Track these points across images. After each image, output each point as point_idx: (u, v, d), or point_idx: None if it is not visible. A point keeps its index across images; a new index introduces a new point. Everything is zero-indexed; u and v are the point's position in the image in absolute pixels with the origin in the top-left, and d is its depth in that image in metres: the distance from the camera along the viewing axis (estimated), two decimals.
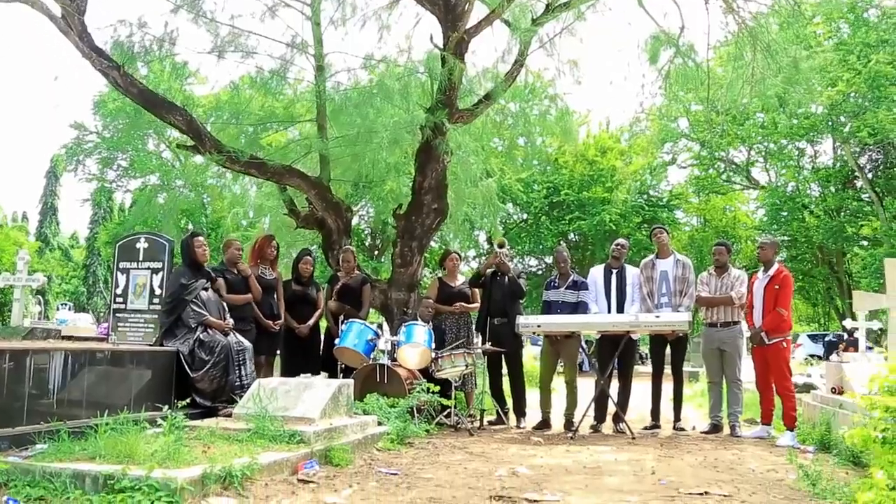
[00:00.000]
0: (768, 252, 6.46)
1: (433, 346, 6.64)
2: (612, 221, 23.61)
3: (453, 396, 6.62)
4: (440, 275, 7.85)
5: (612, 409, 6.85)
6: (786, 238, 24.20)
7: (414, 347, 6.51)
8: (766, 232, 21.70)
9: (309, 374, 5.80)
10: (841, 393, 5.99)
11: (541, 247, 28.09)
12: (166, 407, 4.31)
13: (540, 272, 30.22)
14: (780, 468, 4.74)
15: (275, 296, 7.01)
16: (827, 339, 21.00)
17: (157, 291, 6.13)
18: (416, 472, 4.41)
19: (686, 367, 8.03)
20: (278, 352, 7.14)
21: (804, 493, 3.91)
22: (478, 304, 7.65)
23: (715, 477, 4.40)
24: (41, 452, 3.93)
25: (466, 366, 6.62)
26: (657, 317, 6.37)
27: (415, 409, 6.06)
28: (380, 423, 5.62)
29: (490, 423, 7.14)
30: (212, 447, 4.21)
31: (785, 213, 22.48)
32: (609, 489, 3.95)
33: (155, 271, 6.20)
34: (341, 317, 7.00)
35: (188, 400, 5.39)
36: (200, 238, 6.06)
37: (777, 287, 6.25)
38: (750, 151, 23.85)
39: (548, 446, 5.74)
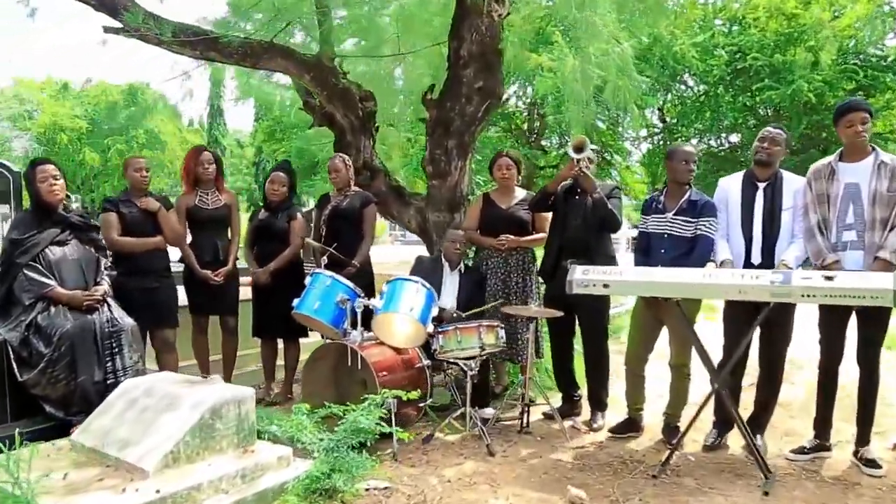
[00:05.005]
0: None
1: (433, 312, 4.19)
2: (812, 90, 18.78)
3: (468, 390, 4.19)
4: (489, 190, 5.27)
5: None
6: None
7: (396, 318, 4.13)
8: None
9: (206, 376, 3.73)
10: None
11: (720, 124, 23.69)
12: None
13: (721, 153, 25.72)
14: None
15: (227, 231, 4.93)
16: None
17: None
18: None
19: None
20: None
21: None
22: (541, 237, 5.00)
23: None
24: None
25: (482, 347, 4.12)
26: (828, 278, 3.38)
27: (392, 412, 3.75)
28: (309, 454, 3.43)
29: (546, 415, 4.66)
30: None
31: None
32: None
33: (6, 218, 4.30)
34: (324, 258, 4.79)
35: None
36: (47, 167, 3.95)
37: None
38: None
39: None
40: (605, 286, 3.82)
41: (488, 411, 4.52)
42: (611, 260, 4.52)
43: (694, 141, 27.88)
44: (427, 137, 5.53)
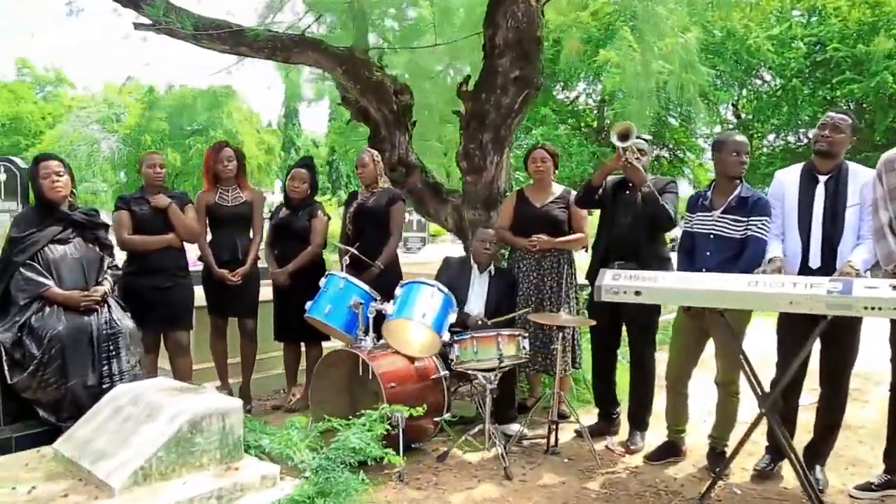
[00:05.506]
0: None
1: (450, 319, 3.85)
2: None
3: (487, 405, 3.83)
4: (523, 187, 4.90)
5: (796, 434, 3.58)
6: None
7: (407, 324, 3.81)
8: None
9: (201, 386, 3.50)
10: None
11: (797, 119, 22.43)
12: None
13: (799, 149, 24.31)
14: None
15: (249, 230, 4.73)
16: None
17: None
18: None
19: None
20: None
21: None
22: (578, 238, 4.60)
23: None
24: None
25: (500, 359, 3.75)
26: None
27: (399, 428, 3.44)
28: (301, 473, 3.15)
29: (578, 433, 4.24)
30: None
31: None
32: None
33: (14, 215, 4.19)
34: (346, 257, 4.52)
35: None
36: (50, 163, 3.79)
37: None
38: None
39: None
40: (637, 293, 3.37)
41: (513, 427, 4.14)
42: (664, 262, 4.06)
43: (771, 137, 26.55)
44: (461, 131, 5.19)
